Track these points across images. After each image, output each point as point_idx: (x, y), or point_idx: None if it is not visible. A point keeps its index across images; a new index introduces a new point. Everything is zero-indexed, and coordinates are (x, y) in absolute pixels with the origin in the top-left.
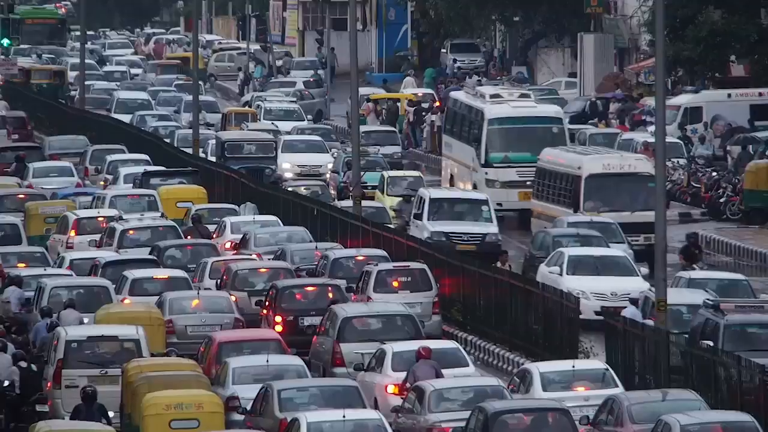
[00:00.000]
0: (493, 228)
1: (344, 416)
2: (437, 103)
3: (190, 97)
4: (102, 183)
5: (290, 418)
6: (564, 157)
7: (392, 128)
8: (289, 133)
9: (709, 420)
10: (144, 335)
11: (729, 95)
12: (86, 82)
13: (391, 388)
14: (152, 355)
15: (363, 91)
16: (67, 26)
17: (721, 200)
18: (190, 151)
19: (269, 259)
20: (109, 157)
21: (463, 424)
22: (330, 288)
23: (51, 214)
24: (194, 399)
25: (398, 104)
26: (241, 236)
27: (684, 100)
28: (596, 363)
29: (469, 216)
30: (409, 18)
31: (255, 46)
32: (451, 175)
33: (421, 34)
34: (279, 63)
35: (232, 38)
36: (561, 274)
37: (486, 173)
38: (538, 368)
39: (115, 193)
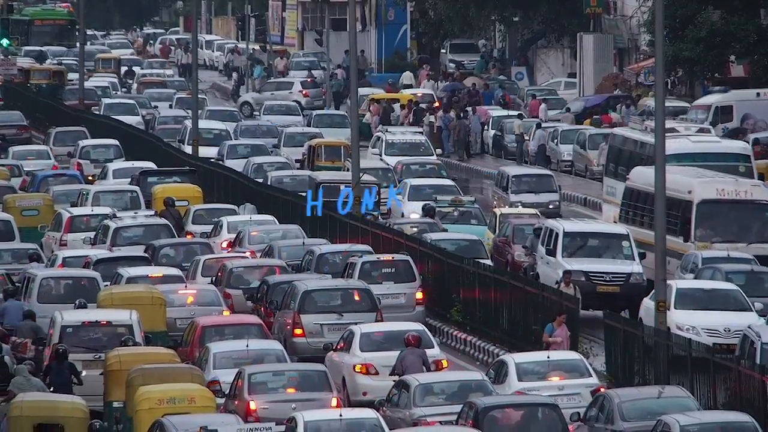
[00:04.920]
0: (636, 267)
1: (341, 415)
2: (436, 104)
3: (291, 129)
4: (90, 177)
5: (288, 417)
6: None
7: (548, 172)
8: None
9: (708, 420)
10: (137, 320)
11: (758, 94)
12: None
13: (358, 368)
14: (148, 337)
15: (363, 91)
16: (76, 27)
17: None
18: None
19: (259, 256)
20: (82, 143)
21: (448, 417)
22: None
23: (27, 206)
24: (186, 393)
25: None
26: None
27: (714, 99)
28: (571, 354)
29: (608, 252)
30: (409, 18)
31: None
32: (615, 222)
33: (420, 34)
34: (282, 65)
35: (232, 38)
36: (669, 309)
37: None
38: (513, 359)
39: (99, 188)
